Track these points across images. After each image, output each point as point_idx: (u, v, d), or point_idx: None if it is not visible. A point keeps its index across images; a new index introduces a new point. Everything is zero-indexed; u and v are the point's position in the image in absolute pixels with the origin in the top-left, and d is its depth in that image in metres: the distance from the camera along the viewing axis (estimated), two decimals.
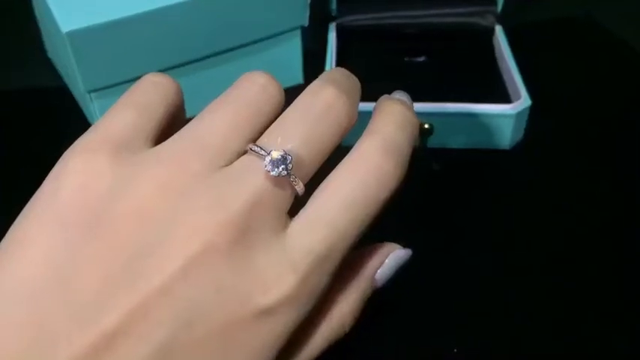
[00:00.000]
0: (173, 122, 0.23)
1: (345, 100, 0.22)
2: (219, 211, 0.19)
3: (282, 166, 0.20)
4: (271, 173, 0.20)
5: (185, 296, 0.18)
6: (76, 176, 0.20)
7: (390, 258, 0.24)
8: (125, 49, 0.33)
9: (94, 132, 0.21)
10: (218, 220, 0.19)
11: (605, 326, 0.28)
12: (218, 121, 0.22)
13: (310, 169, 0.22)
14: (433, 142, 0.35)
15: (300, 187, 0.21)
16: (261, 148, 0.21)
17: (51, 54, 0.42)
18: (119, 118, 0.22)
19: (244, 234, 0.19)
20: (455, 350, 0.26)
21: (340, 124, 0.22)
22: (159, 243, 0.19)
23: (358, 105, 0.23)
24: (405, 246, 0.24)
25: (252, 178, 0.20)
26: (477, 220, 0.32)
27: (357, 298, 0.23)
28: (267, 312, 0.19)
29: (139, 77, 0.33)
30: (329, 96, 0.22)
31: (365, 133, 0.23)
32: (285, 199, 0.21)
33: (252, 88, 0.22)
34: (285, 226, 0.21)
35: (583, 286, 0.29)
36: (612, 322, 0.28)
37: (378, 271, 0.24)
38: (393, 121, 0.23)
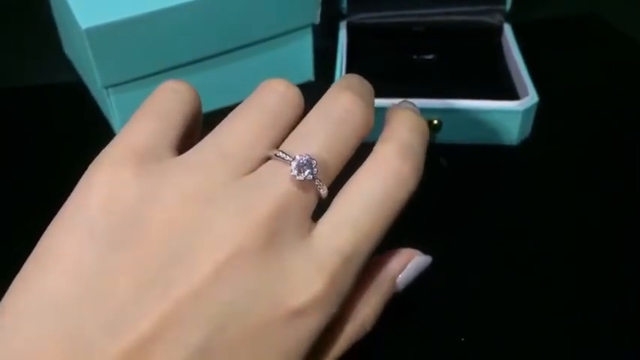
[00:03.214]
0: (192, 128, 0.24)
1: (362, 104, 0.23)
2: (247, 215, 0.20)
3: (308, 170, 0.21)
4: (297, 177, 0.21)
5: (217, 299, 0.19)
6: (103, 188, 0.20)
7: (411, 264, 0.24)
8: (141, 46, 0.34)
9: (117, 143, 0.22)
10: (247, 225, 0.19)
11: (610, 325, 0.28)
12: (239, 130, 0.22)
13: (333, 173, 0.22)
14: (441, 138, 0.36)
15: (324, 191, 0.22)
16: (285, 153, 0.21)
17: (67, 50, 0.43)
18: (141, 128, 0.22)
19: (272, 238, 0.20)
20: (462, 339, 0.27)
21: (359, 127, 0.23)
22: (188, 250, 0.19)
23: (373, 109, 0.24)
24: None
25: (279, 182, 0.21)
26: (484, 216, 0.33)
27: (379, 300, 0.23)
28: (297, 314, 0.20)
29: (154, 73, 0.35)
30: (347, 101, 0.23)
31: (380, 139, 0.23)
32: (310, 203, 0.21)
33: (271, 96, 0.23)
34: (310, 229, 0.21)
35: (590, 283, 0.29)
36: (618, 322, 0.28)
37: (400, 275, 0.24)
38: (406, 126, 0.23)
